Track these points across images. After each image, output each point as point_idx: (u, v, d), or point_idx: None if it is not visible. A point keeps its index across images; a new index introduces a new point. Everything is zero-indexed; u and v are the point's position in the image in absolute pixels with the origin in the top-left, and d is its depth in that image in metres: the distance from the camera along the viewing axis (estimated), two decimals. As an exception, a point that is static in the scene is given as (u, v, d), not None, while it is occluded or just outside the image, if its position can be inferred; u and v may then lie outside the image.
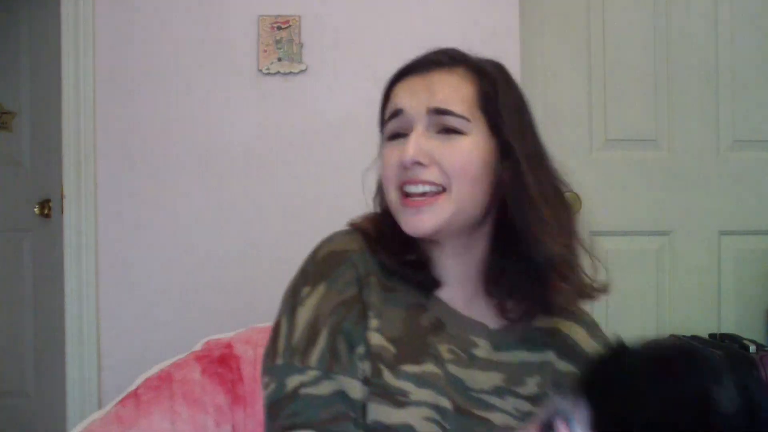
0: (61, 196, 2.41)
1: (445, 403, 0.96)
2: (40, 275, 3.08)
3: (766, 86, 2.65)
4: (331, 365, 0.95)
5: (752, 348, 2.28)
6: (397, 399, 0.94)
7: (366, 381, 0.96)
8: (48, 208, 3.03)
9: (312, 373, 0.95)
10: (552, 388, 1.00)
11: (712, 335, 2.51)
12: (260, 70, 2.38)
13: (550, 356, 1.07)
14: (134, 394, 1.45)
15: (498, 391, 1.00)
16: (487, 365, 1.01)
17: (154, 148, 2.38)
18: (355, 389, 0.95)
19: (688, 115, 2.64)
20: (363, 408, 0.95)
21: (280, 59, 2.38)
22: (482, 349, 1.02)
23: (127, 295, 2.38)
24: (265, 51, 2.38)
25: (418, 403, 0.94)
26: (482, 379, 1.00)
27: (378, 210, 1.14)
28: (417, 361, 0.97)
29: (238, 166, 2.39)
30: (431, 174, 0.99)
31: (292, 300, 1.00)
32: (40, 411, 3.04)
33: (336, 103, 2.41)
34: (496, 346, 1.03)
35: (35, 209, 3.05)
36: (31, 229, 3.10)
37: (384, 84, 1.13)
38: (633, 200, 2.63)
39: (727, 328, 2.60)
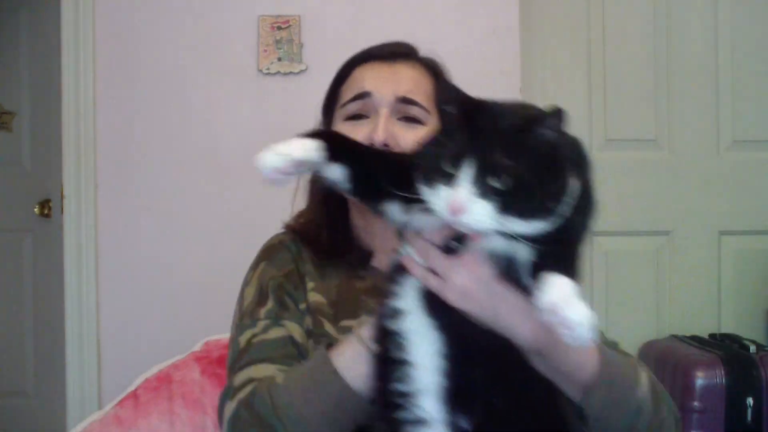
0: (61, 196, 2.41)
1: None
2: (40, 275, 3.08)
3: (766, 86, 2.65)
4: (279, 314, 1.08)
5: (752, 348, 2.28)
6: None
7: (309, 333, 1.08)
8: (48, 208, 3.03)
9: (261, 324, 1.07)
10: None
11: (712, 335, 2.51)
12: (260, 70, 2.38)
13: None
14: (133, 395, 1.45)
15: None
16: None
17: (153, 148, 2.38)
18: (303, 336, 1.07)
19: (688, 115, 2.64)
20: (307, 355, 1.05)
21: (280, 59, 2.38)
22: None
23: (127, 295, 2.38)
24: (265, 51, 2.38)
25: None
26: None
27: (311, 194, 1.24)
28: (354, 315, 1.08)
29: (237, 166, 2.38)
30: None
31: (241, 288, 1.16)
32: (40, 411, 3.04)
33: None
34: None
35: (35, 209, 3.05)
36: (31, 229, 3.10)
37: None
38: (633, 200, 2.63)
39: (727, 328, 2.60)
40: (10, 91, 3.10)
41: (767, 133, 2.66)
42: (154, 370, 1.51)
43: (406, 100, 1.12)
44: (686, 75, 2.63)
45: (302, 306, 1.11)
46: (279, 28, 2.38)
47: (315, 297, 1.11)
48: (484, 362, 0.86)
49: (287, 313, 1.09)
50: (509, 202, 0.79)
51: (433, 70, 1.23)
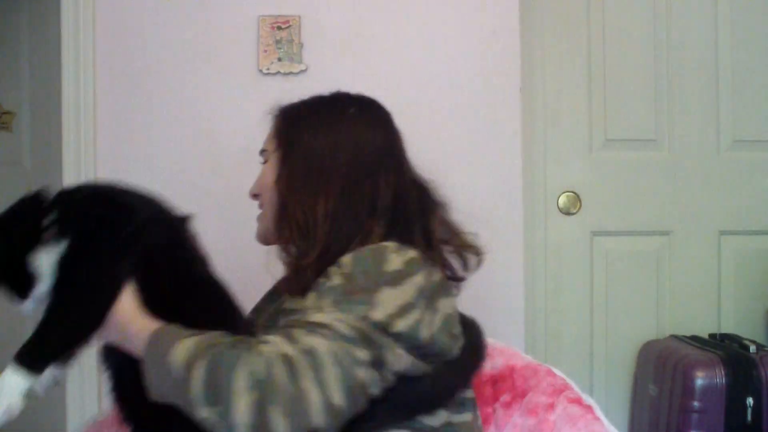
0: (61, 196, 2.41)
1: None
2: (40, 275, 3.07)
3: (766, 86, 2.65)
4: None
5: (752, 348, 2.28)
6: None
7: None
8: (48, 208, 3.03)
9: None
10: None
11: (712, 335, 2.51)
12: (260, 70, 2.38)
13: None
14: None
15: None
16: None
17: (153, 149, 2.38)
18: None
19: (688, 115, 2.64)
20: None
21: (280, 59, 2.38)
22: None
23: (127, 295, 2.38)
24: (265, 51, 2.38)
25: None
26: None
27: None
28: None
29: (238, 166, 2.38)
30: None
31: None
32: (40, 411, 3.04)
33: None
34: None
35: (35, 209, 3.05)
36: (31, 229, 3.09)
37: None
38: (633, 200, 2.63)
39: (727, 328, 2.60)
40: (10, 91, 3.09)
41: (767, 133, 2.66)
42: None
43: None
44: (686, 75, 2.63)
45: None
46: (279, 28, 2.38)
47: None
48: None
49: None
50: None
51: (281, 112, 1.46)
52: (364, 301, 1.05)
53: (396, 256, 1.12)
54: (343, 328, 1.02)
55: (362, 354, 1.01)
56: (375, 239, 1.18)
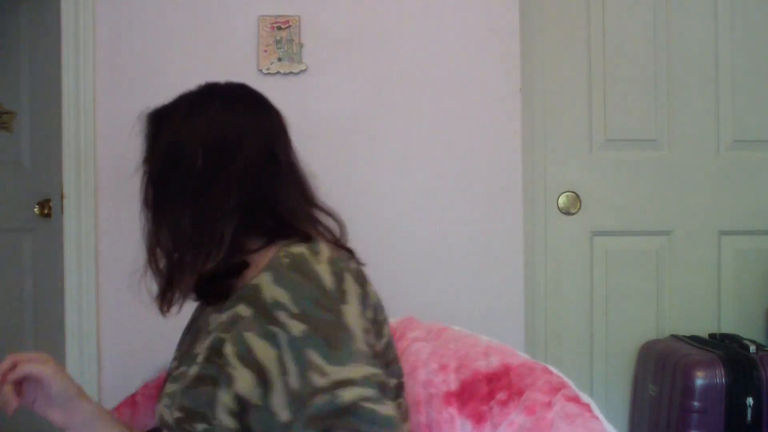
0: (61, 196, 2.41)
1: (174, 387, 1.17)
2: (40, 275, 3.08)
3: (766, 86, 2.65)
4: None
5: (752, 348, 2.28)
6: (160, 396, 1.21)
7: None
8: (48, 208, 3.03)
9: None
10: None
11: (712, 335, 2.51)
12: (260, 70, 2.38)
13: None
14: (132, 401, 1.44)
15: (204, 349, 1.14)
16: (213, 330, 1.15)
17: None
18: None
19: (688, 115, 2.64)
20: None
21: (280, 59, 2.38)
22: (212, 321, 1.17)
23: (127, 295, 2.36)
24: (265, 51, 2.38)
25: (164, 395, 1.19)
26: (203, 344, 1.15)
27: None
28: (179, 366, 1.21)
29: (238, 166, 2.38)
30: None
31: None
32: (41, 411, 3.04)
33: (336, 103, 2.41)
34: (219, 310, 1.17)
35: (35, 209, 3.05)
36: (31, 229, 3.10)
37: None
38: (633, 200, 2.63)
39: (727, 328, 2.60)
40: (10, 91, 3.09)
41: (767, 133, 2.66)
42: (154, 374, 1.51)
43: None
44: (686, 75, 2.63)
45: None
46: (279, 28, 2.38)
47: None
48: None
49: None
50: None
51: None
52: (347, 340, 1.03)
53: (320, 265, 1.09)
54: (368, 392, 0.99)
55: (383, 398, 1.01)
56: (253, 241, 1.15)
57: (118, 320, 2.38)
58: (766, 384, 2.19)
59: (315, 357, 1.00)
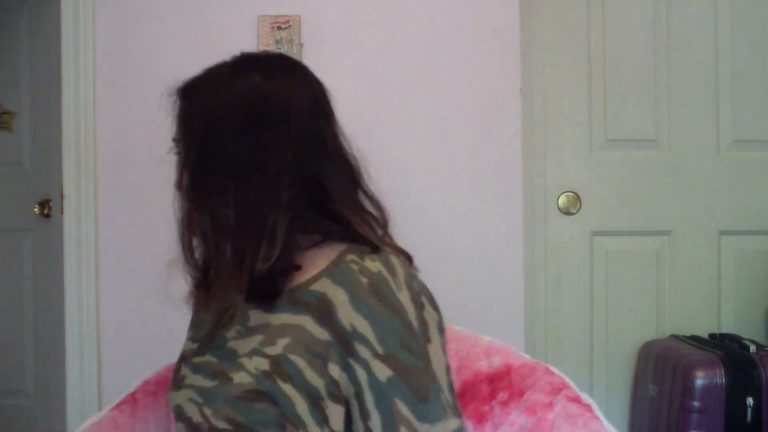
0: (61, 196, 2.41)
1: (208, 384, 1.04)
2: (40, 275, 3.08)
3: (766, 86, 2.65)
4: None
5: (752, 348, 2.28)
6: (179, 383, 1.10)
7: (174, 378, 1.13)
8: (48, 208, 3.03)
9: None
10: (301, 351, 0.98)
11: (712, 335, 2.51)
12: (260, 70, 2.38)
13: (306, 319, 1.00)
14: (132, 399, 1.44)
15: (251, 353, 1.00)
16: (256, 330, 1.02)
17: (154, 148, 2.38)
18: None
19: (688, 115, 2.64)
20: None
21: (280, 59, 2.38)
22: (254, 317, 1.03)
23: (127, 295, 2.38)
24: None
25: (187, 386, 1.07)
26: (247, 345, 1.01)
27: None
28: (202, 353, 1.08)
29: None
30: None
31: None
32: (40, 411, 3.04)
33: (335, 103, 2.40)
34: (267, 310, 1.03)
35: (35, 209, 3.05)
36: (31, 229, 3.10)
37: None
38: (633, 200, 2.63)
39: (727, 328, 2.60)
40: (10, 91, 3.09)
41: (767, 133, 2.66)
42: (152, 372, 1.51)
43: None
44: (686, 75, 2.63)
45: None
46: (279, 28, 2.38)
47: (186, 345, 1.20)
48: None
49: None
50: None
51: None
52: (437, 392, 0.95)
53: (401, 293, 0.98)
54: None
55: None
56: (301, 236, 1.03)
57: (118, 320, 2.38)
58: (766, 384, 2.20)
59: (403, 409, 0.93)
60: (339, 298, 0.96)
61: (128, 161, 2.38)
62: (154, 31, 2.38)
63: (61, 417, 2.48)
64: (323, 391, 0.95)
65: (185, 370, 1.10)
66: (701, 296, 2.64)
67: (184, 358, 1.14)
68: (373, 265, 0.99)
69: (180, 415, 1.07)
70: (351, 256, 1.00)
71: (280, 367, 0.96)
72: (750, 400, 2.19)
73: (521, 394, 1.19)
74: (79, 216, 2.37)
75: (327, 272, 1.00)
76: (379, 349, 0.93)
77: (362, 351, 0.94)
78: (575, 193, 2.62)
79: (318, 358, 0.95)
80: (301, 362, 0.96)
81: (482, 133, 2.43)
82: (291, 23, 2.38)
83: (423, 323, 0.98)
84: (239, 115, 1.03)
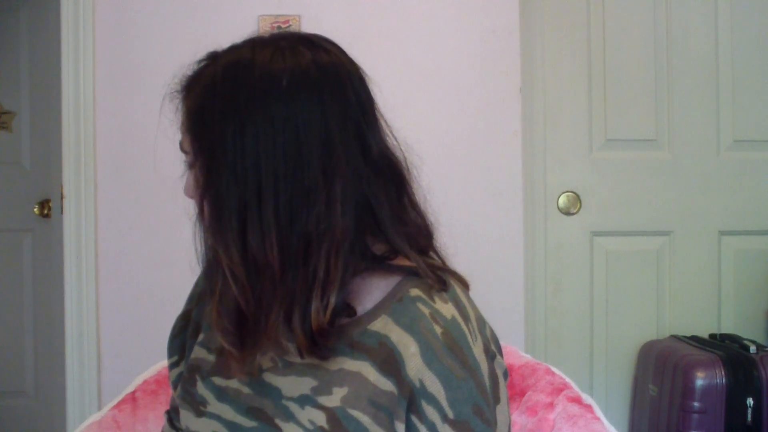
0: (61, 196, 2.41)
1: (242, 420, 0.88)
2: (40, 275, 3.08)
3: (766, 86, 2.65)
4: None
5: (752, 348, 2.28)
6: (198, 408, 0.92)
7: (182, 386, 0.97)
8: (48, 208, 3.03)
9: (171, 359, 1.06)
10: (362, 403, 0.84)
11: (712, 335, 2.51)
12: (260, 70, 2.38)
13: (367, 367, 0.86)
14: (131, 398, 1.44)
15: (301, 400, 0.86)
16: (305, 370, 0.87)
17: (153, 149, 2.38)
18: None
19: (688, 115, 2.64)
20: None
21: (280, 59, 2.38)
22: (293, 353, 0.87)
23: (127, 295, 2.38)
24: (265, 51, 2.38)
25: (212, 415, 0.91)
26: (294, 386, 0.87)
27: None
28: (226, 375, 0.91)
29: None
30: None
31: None
32: (40, 411, 3.04)
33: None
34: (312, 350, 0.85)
35: (35, 209, 3.05)
36: (31, 229, 3.10)
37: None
38: (633, 200, 2.63)
39: (727, 328, 2.60)
40: (10, 91, 3.09)
41: (767, 133, 2.66)
42: (152, 371, 1.51)
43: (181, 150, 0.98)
44: (686, 75, 2.63)
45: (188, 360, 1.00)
46: (279, 28, 2.38)
47: (197, 353, 0.97)
48: None
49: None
50: None
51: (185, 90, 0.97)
52: None
53: (476, 348, 0.87)
54: None
55: None
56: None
57: (118, 320, 2.38)
58: (766, 384, 2.20)
59: None
60: (409, 349, 0.83)
61: (128, 161, 2.38)
62: (154, 31, 2.38)
63: (61, 417, 2.48)
64: None
65: (204, 391, 0.93)
66: (701, 296, 2.64)
67: (197, 369, 0.96)
68: (446, 308, 0.87)
69: None
70: (416, 292, 0.87)
71: (340, 423, 0.83)
72: (750, 401, 2.19)
73: (522, 394, 1.19)
74: (79, 216, 2.37)
75: (386, 309, 0.86)
76: (450, 414, 0.82)
77: (430, 412, 0.82)
78: (575, 193, 2.62)
79: (383, 411, 0.83)
80: (365, 419, 0.83)
81: (482, 132, 2.43)
82: (291, 23, 2.38)
83: (494, 380, 0.89)
84: (267, 122, 0.86)
